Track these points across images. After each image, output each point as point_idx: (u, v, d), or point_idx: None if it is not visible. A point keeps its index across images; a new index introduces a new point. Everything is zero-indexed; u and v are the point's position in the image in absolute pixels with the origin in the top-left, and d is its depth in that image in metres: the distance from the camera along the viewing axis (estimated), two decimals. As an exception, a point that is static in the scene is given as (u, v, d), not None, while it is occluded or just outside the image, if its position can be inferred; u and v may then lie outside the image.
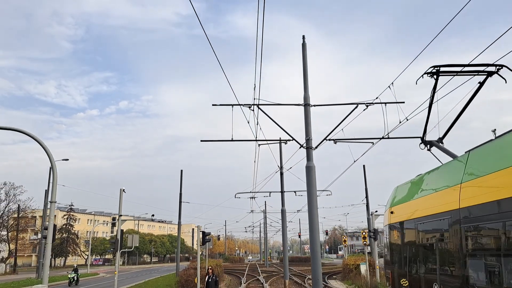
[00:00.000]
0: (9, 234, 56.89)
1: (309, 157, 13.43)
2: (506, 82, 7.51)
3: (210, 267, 17.02)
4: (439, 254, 6.62)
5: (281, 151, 26.89)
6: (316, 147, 13.90)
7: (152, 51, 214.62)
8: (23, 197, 55.69)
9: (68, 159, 41.14)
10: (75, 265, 36.39)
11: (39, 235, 60.84)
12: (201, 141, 17.09)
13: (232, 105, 14.03)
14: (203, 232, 18.68)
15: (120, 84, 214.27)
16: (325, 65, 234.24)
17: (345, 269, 31.02)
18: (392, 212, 8.69)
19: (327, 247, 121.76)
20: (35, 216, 69.52)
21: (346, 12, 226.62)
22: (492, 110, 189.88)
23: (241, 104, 13.94)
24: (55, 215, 18.65)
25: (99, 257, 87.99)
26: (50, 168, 39.89)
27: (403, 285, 7.78)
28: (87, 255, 64.91)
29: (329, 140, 14.15)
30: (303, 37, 14.48)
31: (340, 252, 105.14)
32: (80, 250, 79.27)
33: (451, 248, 6.13)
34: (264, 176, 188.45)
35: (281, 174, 26.99)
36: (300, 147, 14.25)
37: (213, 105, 14.34)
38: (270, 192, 30.23)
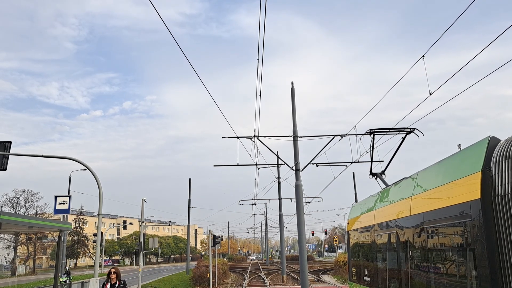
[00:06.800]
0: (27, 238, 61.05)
1: (297, 178, 17.50)
2: (419, 138, 11.58)
3: (113, 270, 11.28)
4: (372, 250, 10.61)
5: (278, 170, 30.99)
6: (303, 169, 17.93)
7: (155, 51, 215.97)
8: (40, 203, 59.67)
9: (85, 169, 45.02)
10: (67, 268, 32.62)
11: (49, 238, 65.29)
12: (214, 165, 21.21)
13: (238, 137, 18.05)
14: (214, 236, 22.74)
15: (124, 85, 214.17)
16: (329, 62, 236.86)
17: (336, 265, 35.12)
18: (348, 223, 12.70)
19: (326, 246, 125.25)
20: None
21: (350, 8, 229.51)
22: (496, 106, 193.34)
23: (245, 137, 18.00)
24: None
25: (108, 258, 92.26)
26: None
27: (353, 271, 11.81)
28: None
29: (313, 164, 18.17)
30: (292, 83, 18.59)
31: (339, 251, 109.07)
32: (90, 252, 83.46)
33: (377, 246, 10.08)
34: (265, 179, 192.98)
35: (279, 183, 31.14)
36: (290, 169, 18.30)
37: (223, 137, 18.40)
38: (269, 199, 34.37)
